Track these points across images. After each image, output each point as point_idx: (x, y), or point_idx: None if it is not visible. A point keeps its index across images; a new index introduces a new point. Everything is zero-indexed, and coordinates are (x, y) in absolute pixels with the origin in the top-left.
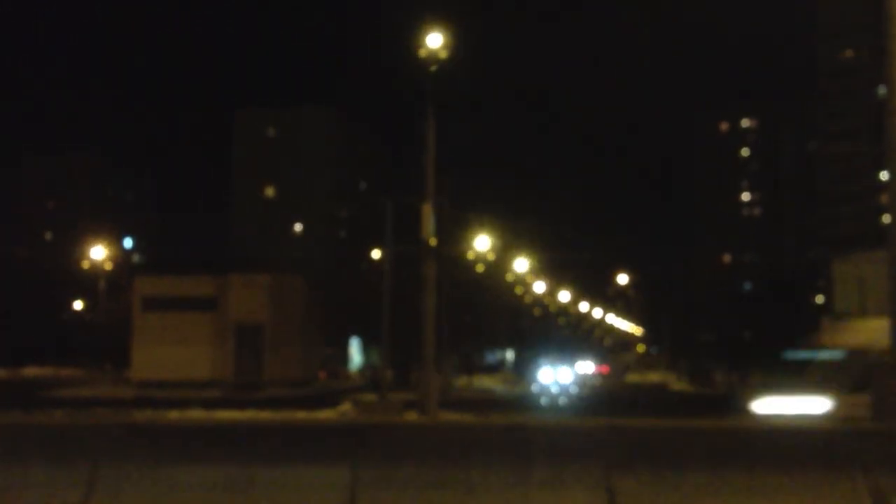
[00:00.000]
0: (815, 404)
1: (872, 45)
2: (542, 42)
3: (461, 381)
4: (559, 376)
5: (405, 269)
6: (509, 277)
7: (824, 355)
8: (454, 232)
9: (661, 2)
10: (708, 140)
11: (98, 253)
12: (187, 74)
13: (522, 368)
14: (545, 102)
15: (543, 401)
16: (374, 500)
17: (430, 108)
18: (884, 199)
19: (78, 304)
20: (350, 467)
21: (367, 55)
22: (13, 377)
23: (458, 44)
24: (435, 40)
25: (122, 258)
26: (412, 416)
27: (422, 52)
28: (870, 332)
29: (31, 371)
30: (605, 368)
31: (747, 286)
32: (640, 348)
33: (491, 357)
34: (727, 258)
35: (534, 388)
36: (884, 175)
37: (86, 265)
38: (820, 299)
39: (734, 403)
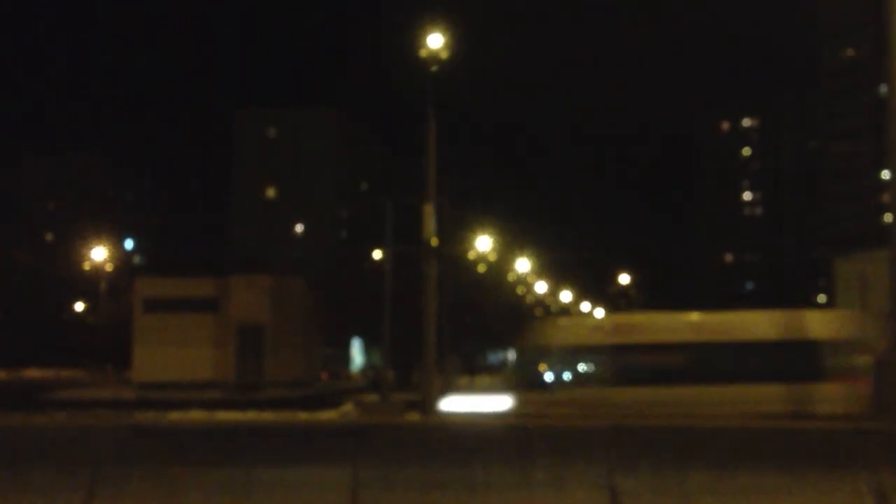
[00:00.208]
0: (495, 402)
1: (873, 44)
2: (542, 42)
3: (463, 382)
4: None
5: (406, 269)
6: (511, 277)
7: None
8: (455, 232)
9: (661, 2)
10: (709, 140)
11: (99, 254)
12: (187, 75)
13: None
14: (546, 102)
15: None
16: (376, 501)
17: (431, 109)
18: (885, 198)
19: (79, 306)
20: (351, 468)
21: (368, 55)
22: (14, 379)
23: (459, 44)
24: (435, 41)
25: (122, 259)
26: (414, 417)
27: (422, 53)
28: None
29: (32, 373)
30: None
31: (749, 286)
32: None
33: (492, 357)
34: (729, 258)
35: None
36: (885, 174)
37: (87, 266)
38: (822, 298)
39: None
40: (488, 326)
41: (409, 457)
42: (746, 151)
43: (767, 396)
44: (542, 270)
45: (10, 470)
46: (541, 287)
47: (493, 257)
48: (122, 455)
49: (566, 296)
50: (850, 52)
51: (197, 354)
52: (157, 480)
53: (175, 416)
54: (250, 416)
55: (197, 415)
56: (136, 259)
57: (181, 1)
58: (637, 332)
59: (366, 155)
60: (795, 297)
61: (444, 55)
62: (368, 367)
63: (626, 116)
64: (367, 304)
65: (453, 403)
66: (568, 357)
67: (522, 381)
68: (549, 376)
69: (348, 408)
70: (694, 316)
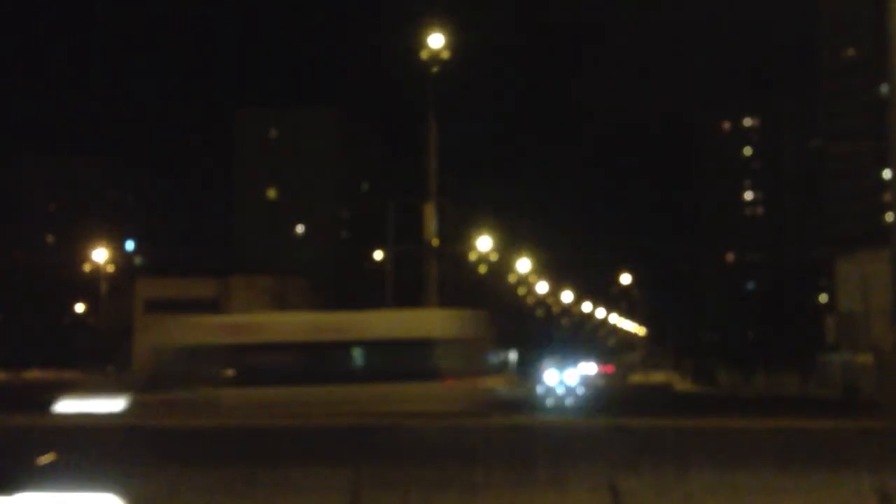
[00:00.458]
0: (110, 404)
1: (874, 43)
2: (542, 42)
3: None
4: (565, 377)
5: (407, 269)
6: (512, 278)
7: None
8: (456, 232)
9: (662, 1)
10: (710, 139)
11: (100, 255)
12: (188, 75)
13: (526, 369)
14: (546, 102)
15: (549, 402)
16: (377, 501)
17: (432, 109)
18: (886, 197)
19: (80, 307)
20: (352, 468)
21: (369, 55)
22: (15, 380)
23: (459, 44)
24: (436, 41)
25: (123, 260)
26: (414, 417)
27: (423, 53)
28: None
29: (32, 374)
30: (610, 368)
31: (750, 285)
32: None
33: (494, 357)
34: (730, 257)
35: (538, 389)
36: (887, 173)
37: (87, 268)
38: (823, 298)
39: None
40: (489, 326)
41: (409, 457)
42: (747, 151)
43: (383, 396)
44: (542, 270)
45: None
46: (542, 287)
47: (494, 257)
48: (121, 456)
49: (567, 296)
50: (850, 51)
51: None
52: (157, 481)
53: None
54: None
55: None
56: (137, 260)
57: (181, 1)
58: (256, 331)
59: (367, 155)
60: (797, 296)
61: (445, 55)
62: None
63: (626, 116)
64: (368, 305)
65: (67, 406)
66: (188, 356)
67: (142, 380)
68: (168, 376)
69: None
70: (312, 315)
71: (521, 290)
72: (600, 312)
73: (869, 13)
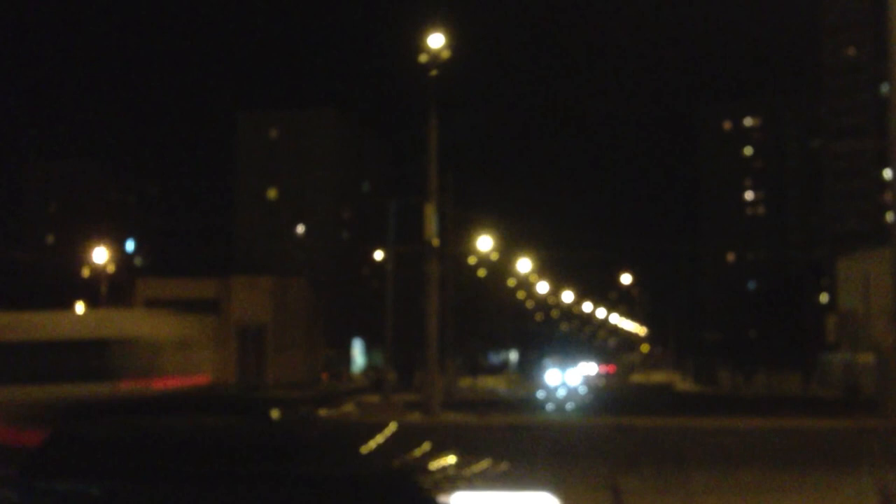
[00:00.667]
0: None
1: (874, 42)
2: (544, 42)
3: (465, 382)
4: (567, 378)
5: (408, 270)
6: (511, 283)
7: None
8: (457, 232)
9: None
10: (711, 139)
11: (100, 256)
12: (189, 76)
13: (526, 369)
14: (547, 102)
15: (550, 405)
16: None
17: (432, 108)
18: (887, 196)
19: (80, 307)
20: None
21: (368, 56)
22: None
23: (460, 43)
24: (436, 41)
25: (124, 261)
26: (415, 417)
27: (424, 53)
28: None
29: None
30: (612, 368)
31: (752, 285)
32: (645, 348)
33: (494, 358)
34: (731, 257)
35: (539, 393)
36: (887, 173)
37: (87, 268)
38: (824, 298)
39: None
40: (490, 327)
41: None
42: (748, 151)
43: (55, 396)
44: (543, 270)
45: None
46: (543, 287)
47: (495, 257)
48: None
49: (568, 296)
50: (851, 50)
51: None
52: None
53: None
54: None
55: None
56: (138, 260)
57: (182, 3)
58: None
59: (367, 155)
60: (798, 296)
61: (446, 55)
62: (370, 367)
63: (627, 116)
64: (369, 305)
65: None
66: None
67: None
68: None
69: (349, 408)
70: None
71: (521, 292)
72: (601, 313)
73: (869, 13)
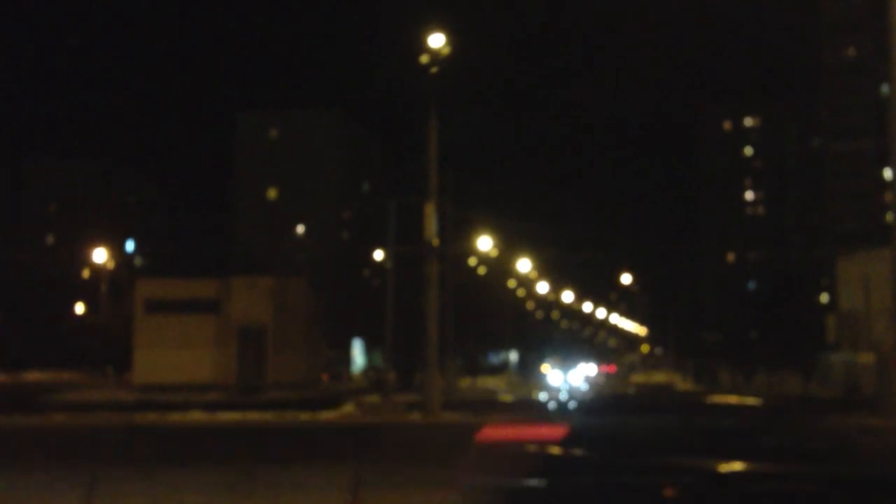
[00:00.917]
0: None
1: (875, 42)
2: (545, 42)
3: (465, 383)
4: (570, 379)
5: (408, 270)
6: (511, 284)
7: None
8: (457, 232)
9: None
10: (711, 139)
11: (100, 256)
12: (189, 76)
13: (526, 370)
14: (547, 102)
15: (552, 405)
16: (377, 500)
17: (432, 108)
18: (887, 196)
19: (79, 308)
20: (353, 467)
21: (369, 55)
22: (15, 381)
23: (460, 44)
24: (437, 40)
25: (123, 261)
26: (415, 418)
27: (424, 53)
28: None
29: (32, 375)
30: (612, 368)
31: (752, 285)
32: (645, 348)
33: (494, 358)
34: (731, 257)
35: (542, 395)
36: (887, 173)
37: (87, 268)
38: (825, 298)
39: None
40: (490, 327)
41: (410, 456)
42: (748, 151)
43: None
44: (543, 270)
45: (10, 468)
46: (543, 287)
47: (494, 254)
48: (122, 455)
49: (568, 296)
50: (851, 50)
51: (198, 356)
52: (158, 480)
53: (176, 417)
54: (252, 417)
55: (198, 416)
56: (137, 260)
57: (182, 2)
58: None
59: (367, 155)
60: (798, 296)
61: (446, 55)
62: (370, 368)
63: (627, 116)
64: (369, 305)
65: None
66: None
67: None
68: None
69: (349, 408)
70: None
71: (521, 292)
72: (601, 313)
73: (869, 13)
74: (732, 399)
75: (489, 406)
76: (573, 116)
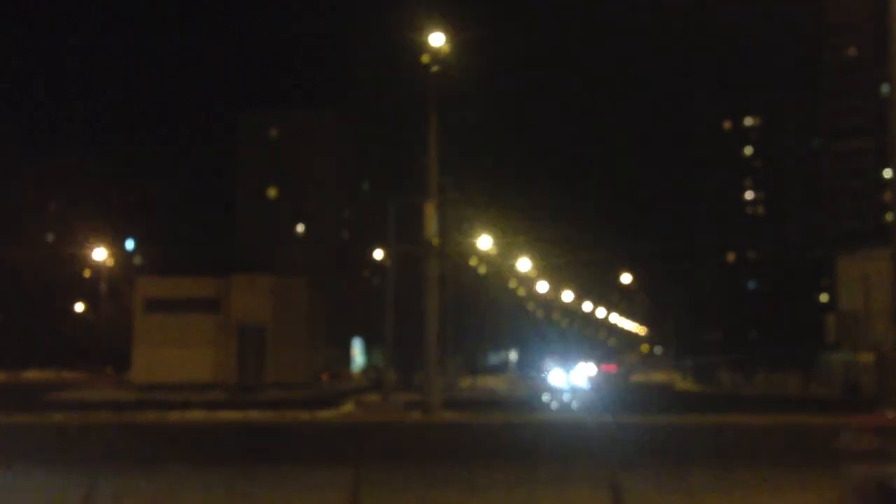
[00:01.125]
0: None
1: (875, 42)
2: (544, 41)
3: (465, 382)
4: (572, 378)
5: (408, 269)
6: (512, 283)
7: None
8: (457, 232)
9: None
10: (711, 138)
11: (99, 254)
12: (189, 75)
13: (526, 369)
14: (547, 101)
15: (554, 405)
16: (377, 500)
17: (433, 108)
18: (887, 196)
19: (79, 307)
20: (352, 467)
21: (369, 54)
22: (14, 380)
23: (461, 42)
24: (437, 38)
25: (123, 259)
26: (415, 417)
27: (424, 51)
28: None
29: (32, 374)
30: (613, 367)
31: (751, 285)
32: (645, 348)
33: (494, 358)
34: (731, 257)
35: (544, 396)
36: (887, 172)
37: (87, 267)
38: (824, 297)
39: None
40: (489, 326)
41: (410, 455)
42: (748, 150)
43: None
44: (543, 270)
45: (10, 467)
46: (542, 287)
47: (493, 251)
48: (121, 454)
49: (568, 295)
50: (852, 50)
51: (197, 355)
52: (156, 480)
53: (175, 416)
54: (251, 416)
55: (197, 415)
56: (137, 259)
57: (182, 2)
58: None
59: (367, 155)
60: (798, 296)
61: (446, 53)
62: (370, 367)
63: (627, 115)
64: (369, 305)
65: None
66: None
67: None
68: None
69: (349, 407)
70: None
71: (521, 291)
72: (601, 312)
73: (869, 13)
74: None
75: (489, 405)
76: (573, 116)
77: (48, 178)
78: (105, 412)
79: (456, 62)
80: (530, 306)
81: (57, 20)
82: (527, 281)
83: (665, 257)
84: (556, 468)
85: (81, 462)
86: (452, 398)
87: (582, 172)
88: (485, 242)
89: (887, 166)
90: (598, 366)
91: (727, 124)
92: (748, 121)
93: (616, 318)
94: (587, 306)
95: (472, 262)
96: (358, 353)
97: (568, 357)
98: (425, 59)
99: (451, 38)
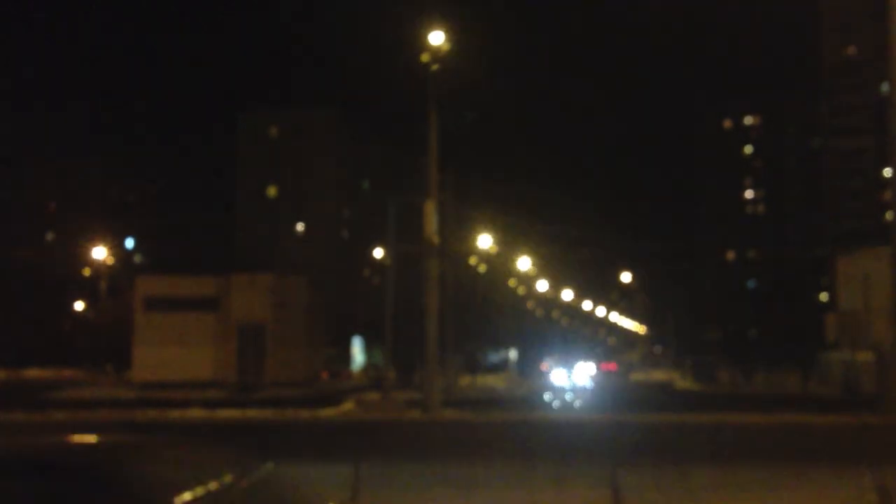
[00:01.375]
0: None
1: (875, 42)
2: (544, 40)
3: (465, 381)
4: (574, 377)
5: (408, 268)
6: (512, 282)
7: None
8: (457, 231)
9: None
10: (711, 138)
11: (99, 253)
12: (189, 75)
13: (526, 368)
14: (547, 101)
15: (556, 405)
16: (377, 497)
17: (432, 107)
18: (887, 195)
19: (79, 305)
20: (352, 465)
21: (369, 53)
22: (15, 379)
23: (460, 41)
24: (437, 38)
25: (123, 258)
26: (415, 415)
27: (423, 50)
28: None
29: (32, 373)
30: (613, 365)
31: (751, 284)
32: (643, 348)
33: (494, 356)
34: (731, 255)
35: (546, 396)
36: (887, 171)
37: (87, 266)
38: (824, 296)
39: None
40: (489, 325)
41: (410, 454)
42: (748, 149)
43: None
44: (543, 269)
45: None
46: (542, 286)
47: (493, 250)
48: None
49: (567, 294)
50: (851, 49)
51: (197, 353)
52: None
53: (175, 414)
54: (251, 414)
55: (197, 413)
56: (137, 258)
57: (183, 2)
58: None
59: (367, 154)
60: (797, 295)
61: (446, 52)
62: (370, 365)
63: (627, 115)
64: (369, 303)
65: None
66: None
67: None
68: None
69: (349, 406)
70: None
71: (521, 290)
72: (600, 311)
73: (869, 13)
74: None
75: (489, 404)
76: (573, 115)
77: (48, 178)
78: (105, 410)
79: (456, 61)
80: (530, 305)
81: (57, 20)
82: (527, 280)
83: (665, 257)
84: (555, 467)
85: None
86: (453, 397)
87: (582, 172)
88: (485, 241)
89: (887, 165)
90: (597, 364)
91: (727, 124)
92: (748, 120)
93: (616, 317)
94: (587, 305)
95: (472, 261)
96: (358, 352)
97: (568, 356)
98: (425, 58)
99: (451, 37)
